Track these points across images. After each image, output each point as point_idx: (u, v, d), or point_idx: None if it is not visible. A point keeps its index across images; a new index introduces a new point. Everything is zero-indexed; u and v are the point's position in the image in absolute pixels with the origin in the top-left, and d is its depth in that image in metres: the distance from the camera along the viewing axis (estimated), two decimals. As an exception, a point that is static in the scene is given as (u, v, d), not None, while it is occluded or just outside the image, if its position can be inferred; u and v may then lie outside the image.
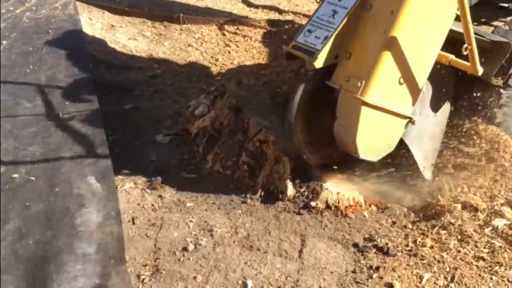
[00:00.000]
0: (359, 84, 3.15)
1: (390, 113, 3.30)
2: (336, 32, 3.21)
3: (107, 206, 3.33)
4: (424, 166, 3.68)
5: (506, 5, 4.02)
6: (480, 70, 3.23)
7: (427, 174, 3.69)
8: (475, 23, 3.88)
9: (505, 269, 3.02)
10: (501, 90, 3.66)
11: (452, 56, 3.31)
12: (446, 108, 3.80)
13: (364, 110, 3.17)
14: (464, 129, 3.75)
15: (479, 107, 3.72)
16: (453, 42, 3.31)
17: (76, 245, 3.02)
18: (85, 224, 3.17)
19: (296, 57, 3.33)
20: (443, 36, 3.28)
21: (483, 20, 3.99)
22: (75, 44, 5.15)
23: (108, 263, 2.92)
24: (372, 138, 3.35)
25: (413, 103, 3.38)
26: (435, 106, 3.71)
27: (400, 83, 3.26)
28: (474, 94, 3.71)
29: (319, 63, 3.22)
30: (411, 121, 3.41)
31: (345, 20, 3.22)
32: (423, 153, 3.68)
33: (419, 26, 3.16)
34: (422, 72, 3.32)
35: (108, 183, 3.52)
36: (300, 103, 3.51)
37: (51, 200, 3.34)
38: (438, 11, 3.18)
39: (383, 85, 3.19)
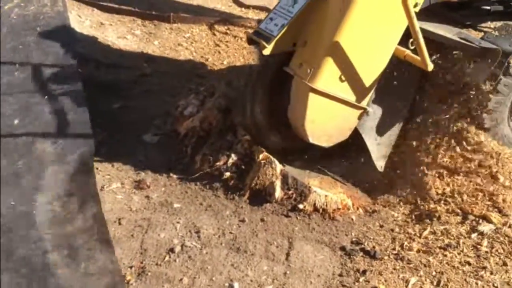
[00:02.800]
0: (309, 70, 3.33)
1: (341, 102, 3.45)
2: (292, 21, 3.39)
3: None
4: (378, 157, 3.81)
5: (488, 7, 4.05)
6: (430, 66, 3.29)
7: (380, 165, 3.82)
8: (459, 26, 3.90)
9: (491, 274, 3.03)
10: (490, 96, 3.67)
11: (408, 51, 3.38)
12: (406, 102, 3.89)
13: (312, 96, 3.35)
14: (454, 133, 3.76)
15: (469, 112, 3.74)
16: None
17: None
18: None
19: (257, 42, 3.49)
20: (399, 30, 3.36)
21: (468, 23, 3.99)
22: (63, 41, 5.09)
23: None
24: (322, 124, 3.52)
25: (367, 95, 3.51)
26: (395, 99, 3.82)
27: (352, 74, 3.39)
28: (464, 99, 3.73)
29: (272, 49, 3.40)
30: (365, 112, 3.55)
31: (301, 10, 3.40)
32: (378, 145, 3.81)
33: (370, 19, 3.28)
34: (375, 65, 3.45)
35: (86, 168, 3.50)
36: (258, 87, 3.70)
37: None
38: (391, 6, 3.22)
39: (333, 73, 3.35)
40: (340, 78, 3.38)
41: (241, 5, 7.46)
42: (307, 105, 3.39)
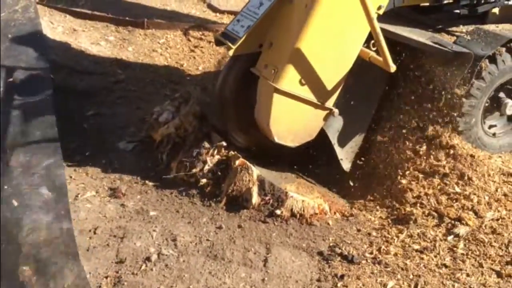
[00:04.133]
0: (274, 71, 3.40)
1: (306, 102, 3.50)
2: (257, 22, 3.47)
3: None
4: (344, 158, 3.90)
5: (458, 11, 4.10)
6: (393, 67, 3.36)
7: (346, 165, 3.91)
8: (430, 30, 3.94)
9: (467, 276, 3.06)
10: (463, 99, 3.71)
11: (372, 53, 3.45)
12: (373, 104, 3.97)
13: (276, 96, 3.40)
14: (428, 136, 3.79)
15: (443, 115, 3.77)
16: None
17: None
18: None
19: (224, 43, 3.57)
20: (363, 32, 3.41)
21: (440, 27, 4.04)
22: (35, 48, 5.00)
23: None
24: (287, 124, 3.57)
25: (332, 96, 3.55)
26: (362, 101, 3.88)
27: (316, 75, 3.44)
28: (438, 103, 3.76)
29: (237, 49, 3.49)
30: (331, 113, 3.59)
31: (267, 12, 3.48)
32: (344, 146, 3.89)
33: (333, 21, 3.34)
34: (340, 66, 3.50)
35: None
36: (228, 87, 3.77)
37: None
38: (354, 7, 3.26)
39: (297, 74, 3.40)
40: (304, 79, 3.43)
41: (215, 10, 7.44)
42: (272, 105, 3.44)
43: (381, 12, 3.44)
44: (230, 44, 3.49)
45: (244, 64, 3.69)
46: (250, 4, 3.64)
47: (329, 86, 3.51)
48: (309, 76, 3.43)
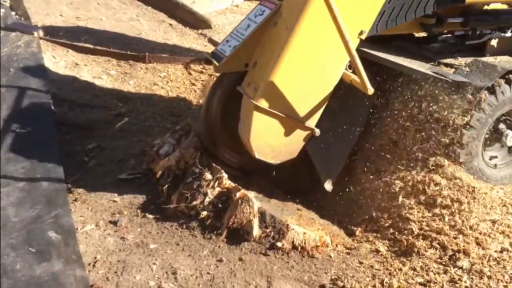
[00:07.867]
0: (255, 89, 3.51)
1: (286, 121, 3.58)
2: (243, 42, 3.66)
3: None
4: (326, 179, 3.91)
5: (454, 42, 4.14)
6: (370, 90, 3.37)
7: (328, 186, 3.92)
8: (429, 62, 3.96)
9: (471, 310, 3.01)
10: (464, 130, 3.72)
11: (354, 76, 3.50)
12: (358, 125, 3.97)
13: (256, 113, 3.51)
14: (429, 168, 3.78)
15: (443, 147, 3.77)
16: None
17: None
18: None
19: (211, 61, 3.74)
20: (344, 55, 3.45)
21: (438, 59, 4.07)
22: (37, 82, 5.05)
23: None
24: (267, 141, 3.64)
25: (313, 116, 3.63)
26: (346, 122, 3.91)
27: (297, 94, 3.54)
28: (438, 134, 3.76)
29: (223, 68, 3.70)
30: (313, 132, 3.64)
31: (252, 33, 3.66)
32: (326, 166, 3.91)
33: (313, 43, 3.44)
34: (320, 88, 3.58)
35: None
36: (219, 107, 3.90)
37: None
38: (333, 31, 3.30)
39: (277, 93, 3.49)
40: (284, 98, 3.51)
41: (216, 44, 7.47)
42: (252, 122, 3.52)
43: (363, 37, 3.55)
44: (216, 63, 3.65)
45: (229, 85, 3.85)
46: (239, 26, 3.82)
47: (310, 106, 3.59)
48: (289, 96, 3.52)
